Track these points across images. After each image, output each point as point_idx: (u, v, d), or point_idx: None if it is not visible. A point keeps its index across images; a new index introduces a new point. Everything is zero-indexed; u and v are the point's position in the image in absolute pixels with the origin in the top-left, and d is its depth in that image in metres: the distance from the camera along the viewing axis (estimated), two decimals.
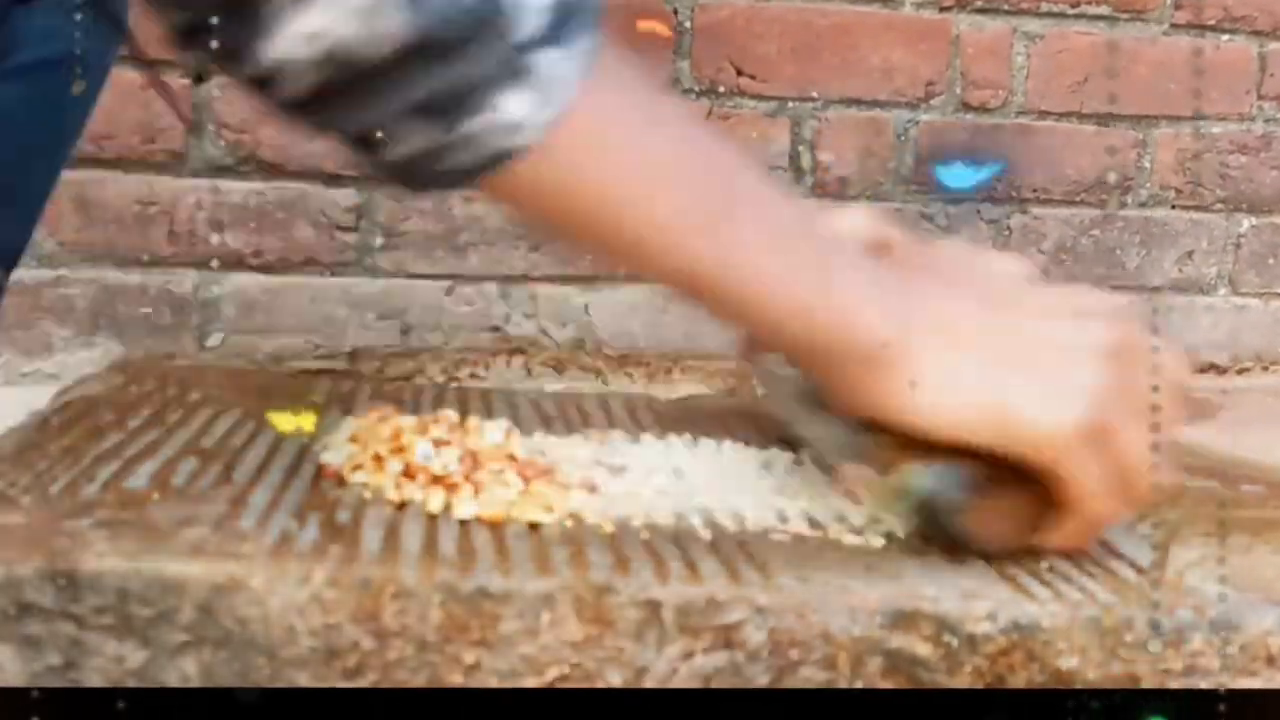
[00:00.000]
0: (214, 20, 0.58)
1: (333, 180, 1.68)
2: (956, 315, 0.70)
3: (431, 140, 0.62)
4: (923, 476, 0.69)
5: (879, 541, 0.71)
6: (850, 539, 0.71)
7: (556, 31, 0.61)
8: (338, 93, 0.60)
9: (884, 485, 0.71)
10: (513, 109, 0.61)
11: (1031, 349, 0.69)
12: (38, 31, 0.98)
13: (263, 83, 0.61)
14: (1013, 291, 0.73)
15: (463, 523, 0.68)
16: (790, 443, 0.85)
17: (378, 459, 0.74)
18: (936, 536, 0.70)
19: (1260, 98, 1.96)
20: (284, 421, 0.65)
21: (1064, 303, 0.72)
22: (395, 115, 0.61)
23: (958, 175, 0.90)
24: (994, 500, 0.69)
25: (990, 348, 0.69)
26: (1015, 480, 0.69)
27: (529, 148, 0.62)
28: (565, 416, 0.93)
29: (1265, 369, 2.01)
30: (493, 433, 0.78)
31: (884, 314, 0.68)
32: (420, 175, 0.64)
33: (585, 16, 0.63)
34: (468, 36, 0.59)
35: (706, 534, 0.69)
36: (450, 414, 0.79)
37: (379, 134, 0.62)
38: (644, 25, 0.90)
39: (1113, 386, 0.68)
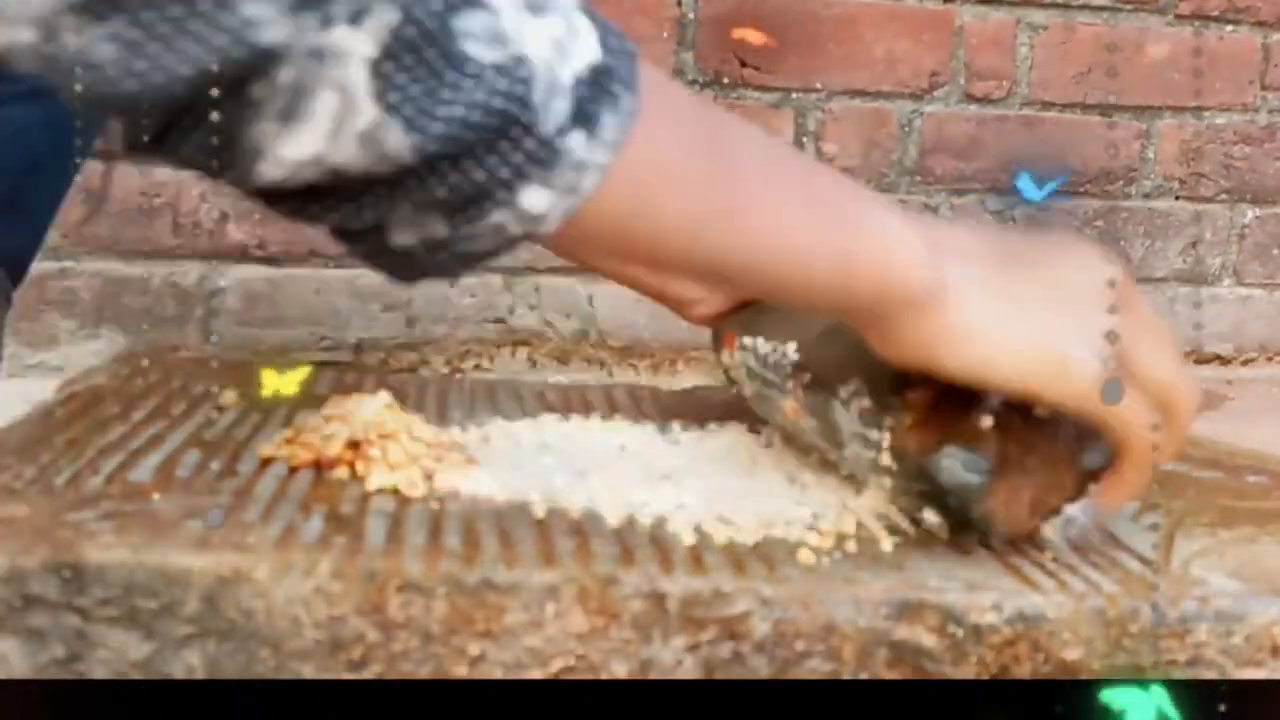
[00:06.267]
0: (197, 139, 0.53)
1: None
2: (989, 263, 0.69)
3: (435, 233, 0.58)
4: (947, 460, 0.69)
5: (883, 534, 0.71)
6: (851, 527, 0.71)
7: (584, 111, 0.57)
8: (330, 196, 0.56)
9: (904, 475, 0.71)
10: (532, 202, 0.57)
11: (1059, 295, 0.69)
12: None
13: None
14: (1013, 239, 0.73)
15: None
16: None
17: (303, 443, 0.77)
18: (954, 525, 0.70)
19: (1264, 88, 1.96)
20: (271, 380, 0.64)
21: (1058, 244, 0.72)
22: (396, 215, 0.57)
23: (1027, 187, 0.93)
24: (1011, 482, 0.69)
25: (1025, 296, 0.69)
26: (1027, 461, 0.69)
27: (546, 233, 0.59)
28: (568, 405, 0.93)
29: (1270, 359, 2.01)
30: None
31: (926, 261, 0.67)
32: (418, 265, 0.61)
33: (615, 77, 0.58)
34: (486, 139, 0.55)
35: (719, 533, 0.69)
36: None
37: (375, 228, 0.58)
38: None
39: (1131, 323, 0.68)
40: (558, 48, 0.56)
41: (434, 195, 0.56)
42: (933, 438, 0.69)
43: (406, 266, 0.61)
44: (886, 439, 0.70)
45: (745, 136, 0.67)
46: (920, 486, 0.70)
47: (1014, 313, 0.68)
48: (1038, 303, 0.68)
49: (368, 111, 0.52)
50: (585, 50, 0.57)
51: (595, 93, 0.57)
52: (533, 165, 0.56)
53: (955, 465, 0.68)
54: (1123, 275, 0.70)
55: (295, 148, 0.53)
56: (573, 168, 0.57)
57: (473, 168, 0.55)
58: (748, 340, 0.86)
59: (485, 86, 0.54)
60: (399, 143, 0.53)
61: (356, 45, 0.51)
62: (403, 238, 0.59)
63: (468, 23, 0.54)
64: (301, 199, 0.56)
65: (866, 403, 0.72)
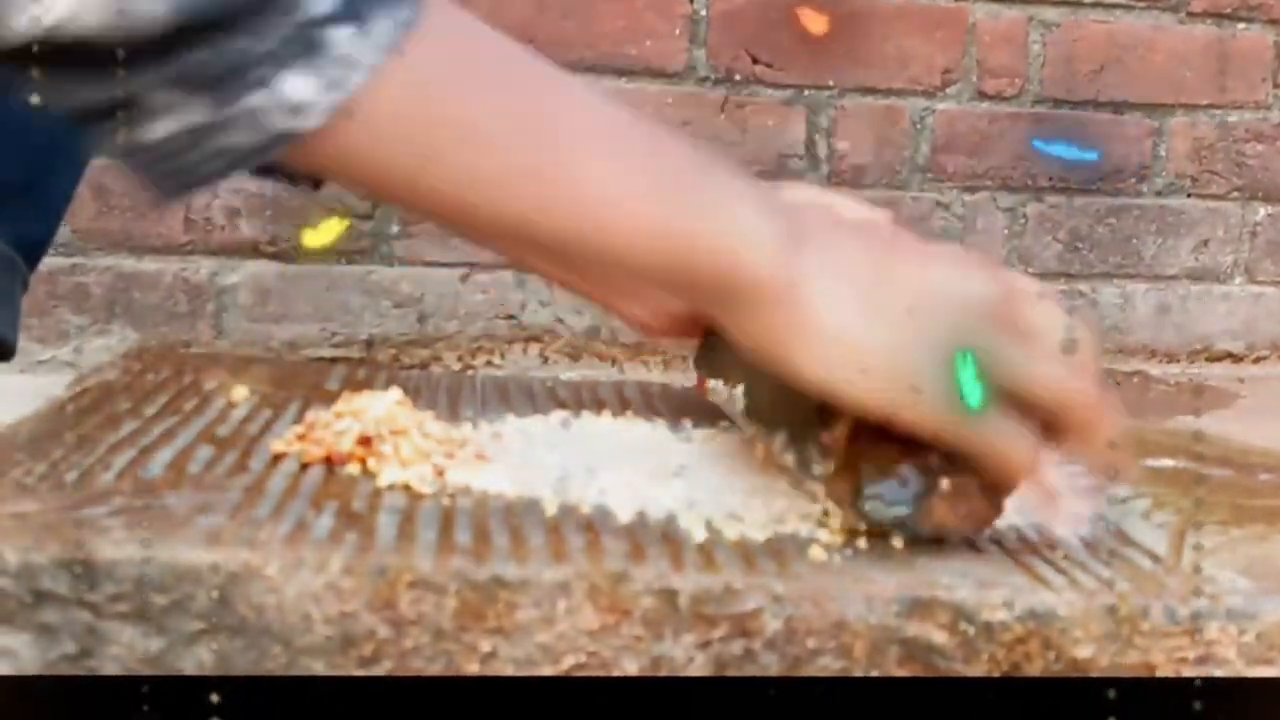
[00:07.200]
0: None
1: None
2: (856, 259, 0.65)
3: (195, 118, 0.56)
4: (869, 504, 0.66)
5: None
6: (862, 524, 0.71)
7: (355, 7, 0.57)
8: (84, 65, 0.55)
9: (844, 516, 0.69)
10: (294, 90, 0.56)
11: (927, 307, 0.64)
12: None
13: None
14: (895, 235, 0.69)
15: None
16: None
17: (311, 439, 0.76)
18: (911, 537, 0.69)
19: (1276, 86, 1.95)
20: (314, 238, 0.64)
21: (939, 252, 0.68)
22: (149, 93, 0.56)
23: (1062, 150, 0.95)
24: (952, 487, 0.67)
25: (888, 303, 0.64)
26: (958, 459, 0.67)
27: (312, 131, 0.58)
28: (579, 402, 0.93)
29: None
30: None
31: (778, 251, 0.64)
32: (180, 161, 0.58)
33: None
34: (245, 11, 0.55)
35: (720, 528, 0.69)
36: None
37: (130, 108, 0.57)
38: None
39: (1010, 338, 0.65)
40: None
41: (188, 66, 0.55)
42: (852, 482, 0.67)
43: (169, 170, 0.59)
44: (820, 491, 0.69)
45: (575, 100, 0.65)
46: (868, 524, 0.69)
47: (872, 321, 0.64)
48: (902, 314, 0.64)
49: None
50: None
51: None
52: (293, 47, 0.56)
53: (879, 505, 0.66)
54: (1009, 289, 0.66)
55: (39, 9, 0.53)
56: (338, 61, 0.57)
57: (227, 40, 0.55)
58: (712, 383, 0.85)
59: None
60: (150, 5, 0.53)
61: None
62: (161, 126, 0.57)
63: None
64: (53, 68, 0.56)
65: (791, 457, 0.70)
